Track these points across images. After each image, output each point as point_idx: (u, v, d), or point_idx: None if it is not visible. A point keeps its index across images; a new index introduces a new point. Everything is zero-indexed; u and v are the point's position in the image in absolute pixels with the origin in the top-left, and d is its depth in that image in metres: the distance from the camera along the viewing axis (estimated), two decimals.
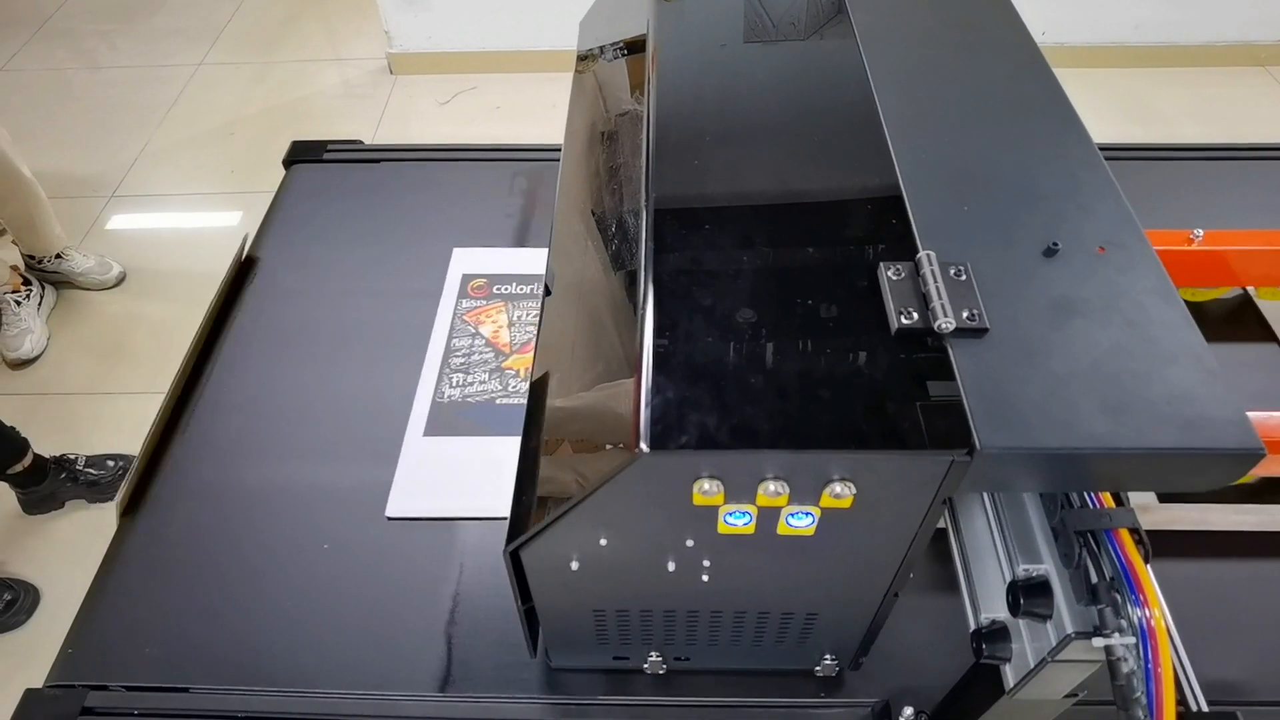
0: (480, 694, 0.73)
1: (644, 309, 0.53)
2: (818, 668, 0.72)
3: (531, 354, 0.97)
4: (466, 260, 1.11)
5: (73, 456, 1.69)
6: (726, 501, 0.50)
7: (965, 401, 0.48)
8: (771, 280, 0.55)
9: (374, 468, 0.89)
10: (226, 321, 1.05)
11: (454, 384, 0.96)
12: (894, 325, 0.51)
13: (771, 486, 0.48)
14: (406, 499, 0.86)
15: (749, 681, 0.73)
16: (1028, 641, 0.55)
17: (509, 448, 0.90)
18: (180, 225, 2.34)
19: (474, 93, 2.63)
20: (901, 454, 0.47)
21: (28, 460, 1.61)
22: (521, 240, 1.14)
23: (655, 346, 0.51)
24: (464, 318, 1.04)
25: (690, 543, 0.55)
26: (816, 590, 0.61)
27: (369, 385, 0.97)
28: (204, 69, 2.79)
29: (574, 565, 0.58)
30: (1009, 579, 0.55)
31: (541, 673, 0.74)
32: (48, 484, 1.66)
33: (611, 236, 0.67)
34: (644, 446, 0.46)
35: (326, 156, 1.24)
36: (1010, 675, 0.57)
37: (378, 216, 1.16)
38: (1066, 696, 0.57)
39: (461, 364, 0.98)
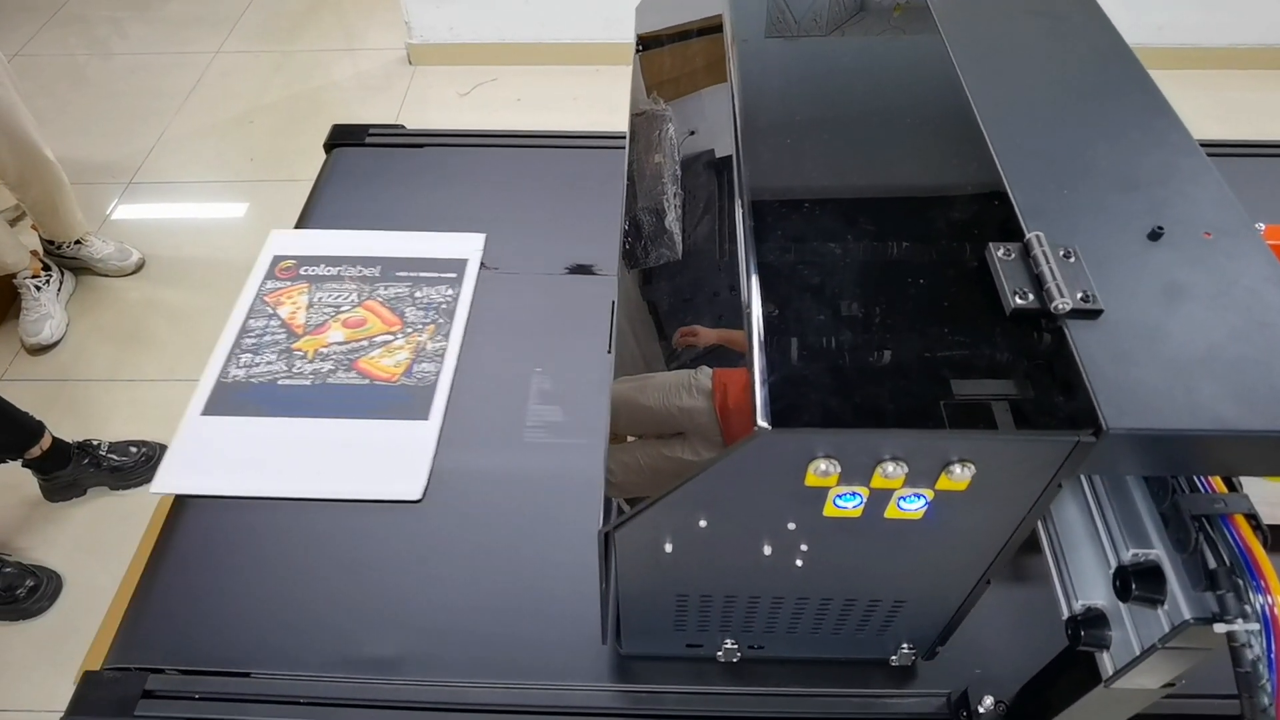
0: (548, 681, 0.72)
1: (750, 290, 0.52)
2: (893, 657, 0.71)
3: (324, 334, 0.98)
4: (282, 242, 1.10)
5: (96, 442, 1.68)
6: (840, 483, 0.49)
7: (1088, 382, 0.47)
8: (876, 261, 0.54)
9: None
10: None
11: (240, 364, 0.96)
12: (1009, 306, 0.50)
13: (890, 467, 0.47)
14: (175, 476, 0.87)
15: (821, 671, 0.72)
16: (1131, 628, 0.54)
17: (287, 429, 0.90)
18: (198, 213, 2.32)
19: (494, 84, 2.62)
20: (1027, 435, 0.46)
21: (45, 443, 1.60)
22: (558, 225, 1.12)
23: (766, 326, 0.50)
24: (265, 299, 1.03)
25: (792, 525, 0.54)
26: (909, 577, 0.60)
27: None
28: (221, 57, 2.78)
29: (668, 547, 0.57)
30: (1115, 564, 0.54)
31: (611, 659, 0.73)
32: (70, 470, 1.64)
33: (697, 220, 0.66)
34: (764, 423, 0.45)
35: (368, 140, 1.23)
36: (1109, 663, 0.56)
37: (420, 200, 1.15)
38: (1163, 686, 0.56)
39: (253, 344, 0.98)
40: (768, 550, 0.56)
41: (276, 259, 1.08)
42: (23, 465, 1.60)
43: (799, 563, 0.58)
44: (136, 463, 1.69)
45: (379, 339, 0.99)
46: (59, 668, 1.48)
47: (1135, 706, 0.60)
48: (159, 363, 1.94)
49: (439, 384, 0.94)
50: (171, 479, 0.87)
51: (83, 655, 1.48)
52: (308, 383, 0.94)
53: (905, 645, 0.70)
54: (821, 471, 0.48)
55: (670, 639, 0.70)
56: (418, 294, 1.03)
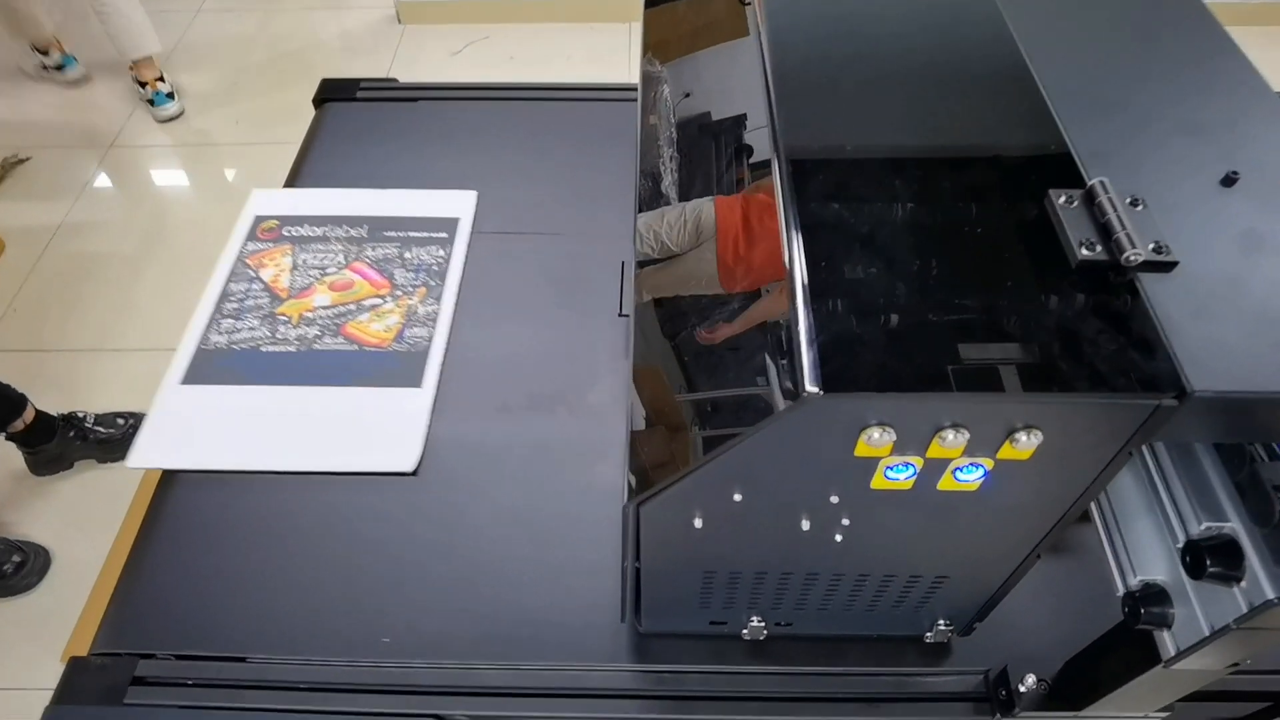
0: (561, 661, 0.69)
1: (791, 245, 0.47)
2: (928, 634, 0.67)
3: (309, 298, 0.94)
4: (264, 201, 1.05)
5: (81, 414, 1.62)
6: (893, 453, 0.45)
7: (1166, 341, 0.43)
8: (926, 212, 0.49)
9: None
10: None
11: (222, 330, 0.92)
12: (1075, 258, 0.46)
13: (950, 435, 0.43)
14: (153, 449, 0.83)
15: (852, 648, 0.69)
16: (1198, 606, 0.50)
17: (271, 397, 0.86)
18: (182, 179, 2.24)
19: (486, 42, 2.53)
20: (1103, 398, 0.41)
21: (28, 416, 1.54)
22: (558, 182, 1.06)
23: (811, 282, 0.45)
24: (246, 261, 0.98)
25: (835, 499, 0.50)
26: (954, 552, 0.56)
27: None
28: (203, 16, 2.67)
29: (697, 523, 0.52)
30: (1183, 539, 0.50)
31: (629, 638, 0.70)
32: (56, 443, 1.59)
33: (724, 173, 0.61)
34: (813, 388, 0.41)
35: (359, 95, 1.16)
36: (1170, 642, 0.52)
37: (415, 157, 1.09)
38: (1229, 666, 0.53)
39: (234, 309, 0.93)
40: (806, 526, 0.52)
41: (259, 219, 1.03)
42: (5, 439, 1.55)
43: (838, 538, 0.53)
44: (124, 435, 1.64)
45: (367, 302, 0.94)
46: (48, 645, 1.44)
47: (1194, 685, 0.57)
48: (145, 331, 1.88)
49: (432, 349, 0.89)
50: (150, 452, 0.82)
51: (72, 632, 1.44)
52: (292, 349, 0.89)
53: (941, 621, 0.66)
54: (875, 440, 0.43)
55: (693, 616, 0.66)
56: (407, 255, 0.99)
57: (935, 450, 0.44)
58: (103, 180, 2.22)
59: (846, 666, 0.68)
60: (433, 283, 0.95)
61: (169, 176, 2.25)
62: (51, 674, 1.45)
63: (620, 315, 0.90)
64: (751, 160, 0.59)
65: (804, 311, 0.44)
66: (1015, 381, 0.42)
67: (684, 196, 0.62)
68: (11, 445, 1.58)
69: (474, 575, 0.73)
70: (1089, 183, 0.49)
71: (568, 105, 1.17)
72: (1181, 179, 0.51)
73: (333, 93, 1.17)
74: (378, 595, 0.72)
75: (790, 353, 0.43)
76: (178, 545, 0.75)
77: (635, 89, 0.73)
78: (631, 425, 0.54)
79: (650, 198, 0.64)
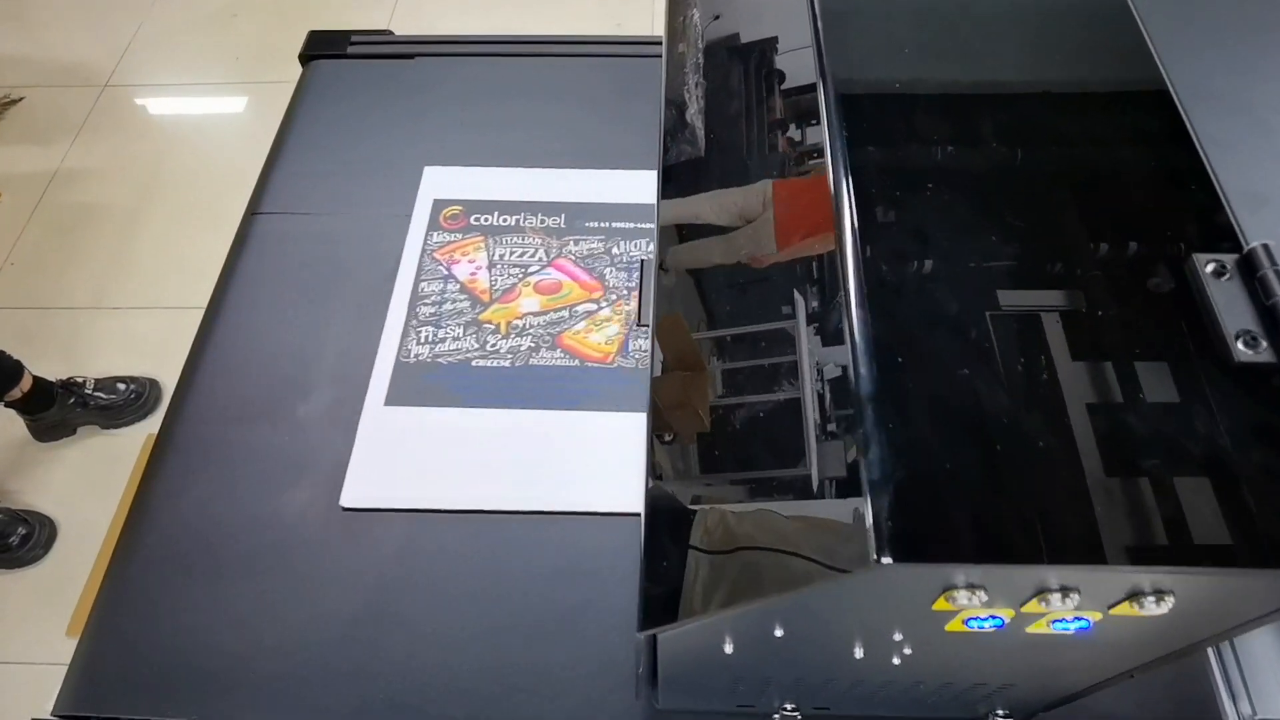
0: None
1: (854, 333, 0.37)
2: None
3: (514, 303, 0.80)
4: (440, 181, 0.91)
5: (80, 380, 1.56)
6: (980, 606, 0.35)
7: None
8: (1030, 281, 0.38)
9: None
10: (240, 256, 0.88)
11: (422, 339, 0.79)
12: (1232, 357, 0.35)
13: (1056, 600, 0.33)
14: (364, 485, 0.71)
15: None
16: None
17: (486, 421, 0.74)
18: (181, 120, 2.12)
19: None
20: (1265, 573, 0.31)
21: (26, 385, 1.48)
22: (586, 157, 0.94)
23: (879, 392, 0.35)
24: (434, 255, 0.85)
25: (899, 636, 0.40)
26: (1030, 670, 0.47)
27: (330, 338, 0.81)
28: None
29: (728, 649, 0.44)
30: None
31: (645, 716, 0.62)
32: (56, 410, 1.54)
33: (726, 113, 0.50)
34: (885, 558, 0.31)
35: (351, 50, 1.04)
36: None
37: (415, 123, 0.98)
38: None
39: (431, 314, 0.81)
40: (860, 654, 0.43)
41: (438, 204, 0.88)
42: (4, 406, 1.49)
43: (896, 661, 0.45)
44: (126, 401, 1.58)
45: (580, 308, 0.81)
46: (56, 618, 1.42)
47: None
48: (145, 288, 1.80)
49: None
50: (361, 489, 0.71)
51: (74, 609, 1.41)
52: (507, 363, 0.77)
53: (1000, 710, 0.58)
54: (959, 602, 0.34)
55: (718, 698, 0.58)
56: (615, 250, 0.85)
57: (1033, 607, 0.35)
58: (98, 122, 2.11)
59: None
60: None
61: (166, 118, 2.13)
62: (60, 648, 1.43)
63: (639, 325, 0.80)
64: (784, 86, 0.51)
65: (875, 435, 0.34)
66: (1151, 543, 0.32)
67: (710, 127, 0.54)
68: (14, 413, 1.53)
69: (471, 639, 0.65)
70: (1246, 246, 0.38)
71: (590, 60, 1.04)
72: None
73: (320, 48, 1.04)
74: (366, 660, 0.65)
75: (855, 490, 0.33)
76: (149, 593, 0.68)
77: (658, 42, 0.62)
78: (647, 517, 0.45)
79: (675, 127, 0.56)
